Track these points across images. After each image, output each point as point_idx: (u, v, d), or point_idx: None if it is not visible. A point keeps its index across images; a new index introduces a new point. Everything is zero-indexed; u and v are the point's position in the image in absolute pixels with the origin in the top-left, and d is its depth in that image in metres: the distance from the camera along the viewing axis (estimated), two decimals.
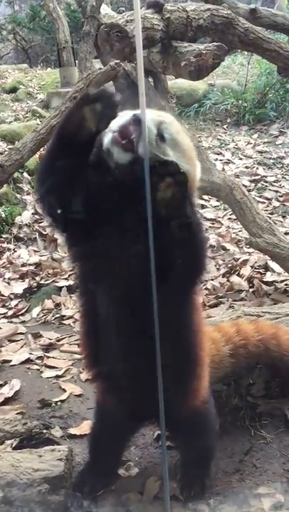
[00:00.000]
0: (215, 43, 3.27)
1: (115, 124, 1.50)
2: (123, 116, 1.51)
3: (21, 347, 3.24)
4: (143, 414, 1.88)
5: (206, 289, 3.77)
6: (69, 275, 4.08)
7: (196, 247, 1.57)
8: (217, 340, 2.19)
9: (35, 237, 5.00)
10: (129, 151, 1.48)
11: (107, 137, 1.51)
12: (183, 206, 1.48)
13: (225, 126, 8.11)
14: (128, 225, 1.53)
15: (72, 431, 2.34)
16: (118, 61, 3.89)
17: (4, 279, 4.24)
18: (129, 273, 1.56)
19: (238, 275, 3.91)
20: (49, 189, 1.55)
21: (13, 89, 10.03)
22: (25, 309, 3.80)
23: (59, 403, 2.57)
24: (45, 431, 2.24)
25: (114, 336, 1.69)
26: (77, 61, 7.22)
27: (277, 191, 5.91)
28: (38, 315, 3.68)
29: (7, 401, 2.63)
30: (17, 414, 2.48)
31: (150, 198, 1.43)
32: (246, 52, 7.82)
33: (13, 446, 2.13)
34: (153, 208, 1.44)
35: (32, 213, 5.32)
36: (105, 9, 5.70)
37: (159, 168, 1.44)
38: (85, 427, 2.32)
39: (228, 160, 6.91)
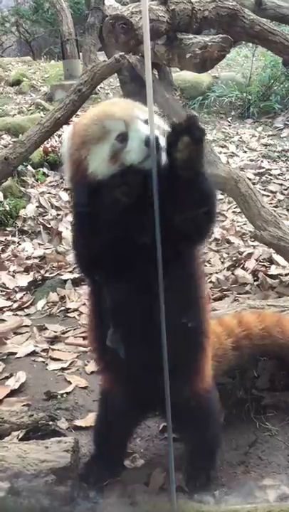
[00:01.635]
0: (220, 35, 3.26)
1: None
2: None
3: (26, 339, 3.26)
4: (149, 403, 1.91)
5: (211, 282, 3.77)
6: (73, 268, 4.09)
7: (207, 202, 1.57)
8: (219, 334, 2.19)
9: (40, 231, 5.00)
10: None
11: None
12: (201, 162, 1.49)
13: (229, 119, 8.07)
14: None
15: (78, 423, 2.36)
16: (123, 53, 3.87)
17: (9, 272, 4.25)
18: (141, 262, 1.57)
19: (243, 268, 3.90)
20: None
21: (17, 82, 9.99)
22: (30, 302, 3.81)
23: (65, 395, 2.59)
24: (51, 423, 2.26)
25: (124, 324, 1.71)
26: (81, 53, 7.19)
27: (281, 184, 5.88)
28: (42, 308, 3.70)
29: (13, 393, 2.65)
30: (23, 406, 2.50)
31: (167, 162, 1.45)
32: (251, 44, 7.78)
33: (20, 437, 2.15)
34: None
35: (36, 206, 5.32)
36: (109, 1, 5.68)
37: (177, 126, 1.43)
38: (90, 419, 2.33)
39: (233, 153, 6.88)
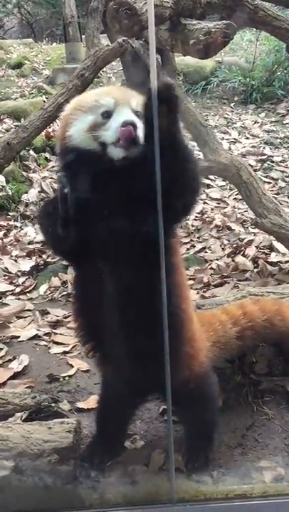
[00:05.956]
0: (224, 21, 3.23)
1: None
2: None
3: (29, 323, 3.30)
4: (143, 385, 1.95)
5: (211, 268, 3.81)
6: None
7: (188, 174, 1.61)
8: (224, 322, 2.23)
9: None
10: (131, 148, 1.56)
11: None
12: (178, 127, 1.57)
13: (232, 105, 8.02)
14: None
15: (80, 405, 2.40)
16: (126, 38, 3.85)
17: (11, 256, 4.29)
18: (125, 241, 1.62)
19: (243, 255, 3.94)
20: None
21: (19, 65, 9.91)
22: (32, 287, 3.85)
23: (67, 378, 2.64)
24: (53, 404, 2.30)
25: (110, 305, 1.75)
26: (83, 37, 7.11)
27: (283, 171, 5.88)
28: (45, 292, 3.73)
29: (16, 375, 2.70)
30: (26, 388, 2.54)
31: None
32: (255, 29, 7.69)
33: (23, 418, 2.20)
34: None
35: (38, 191, 5.33)
36: None
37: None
38: (92, 402, 2.39)
39: (235, 139, 6.86)
